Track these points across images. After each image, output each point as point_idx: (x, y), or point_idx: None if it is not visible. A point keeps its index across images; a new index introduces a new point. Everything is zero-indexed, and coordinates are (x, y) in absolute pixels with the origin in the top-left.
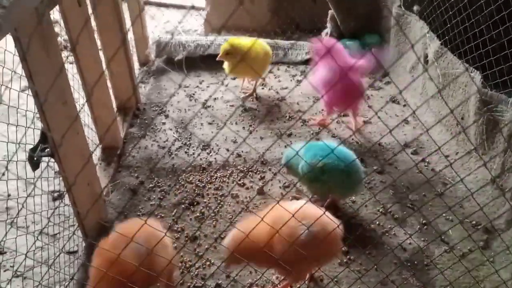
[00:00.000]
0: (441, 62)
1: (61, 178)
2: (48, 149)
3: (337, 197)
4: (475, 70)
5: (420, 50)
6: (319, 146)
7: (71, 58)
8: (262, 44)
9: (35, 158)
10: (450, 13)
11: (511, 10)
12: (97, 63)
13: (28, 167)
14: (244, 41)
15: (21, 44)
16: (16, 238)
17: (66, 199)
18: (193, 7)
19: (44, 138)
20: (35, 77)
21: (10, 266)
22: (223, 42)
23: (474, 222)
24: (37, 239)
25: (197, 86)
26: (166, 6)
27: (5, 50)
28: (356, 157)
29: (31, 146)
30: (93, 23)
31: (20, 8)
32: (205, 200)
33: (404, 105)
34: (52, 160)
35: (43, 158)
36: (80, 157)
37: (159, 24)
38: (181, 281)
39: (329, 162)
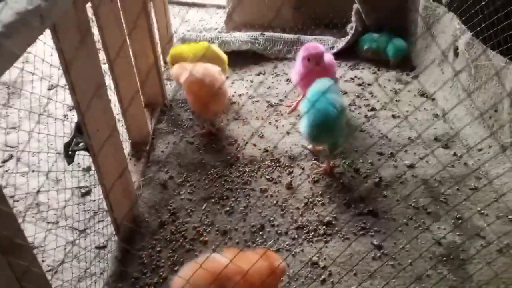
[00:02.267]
0: (473, 54)
1: (89, 174)
2: (82, 143)
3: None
4: (509, 61)
5: (449, 42)
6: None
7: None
8: (213, 49)
9: (70, 152)
10: (483, 3)
11: None
12: (127, 58)
13: (58, 163)
14: (187, 48)
15: (59, 37)
16: (45, 233)
17: (94, 195)
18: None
19: (79, 131)
20: (71, 70)
21: (42, 261)
22: (247, 38)
23: (510, 217)
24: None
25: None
26: (188, 5)
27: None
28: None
29: (66, 141)
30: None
31: (60, 1)
32: (234, 195)
33: (433, 99)
34: (84, 155)
35: (78, 152)
36: (113, 151)
37: (182, 23)
38: None
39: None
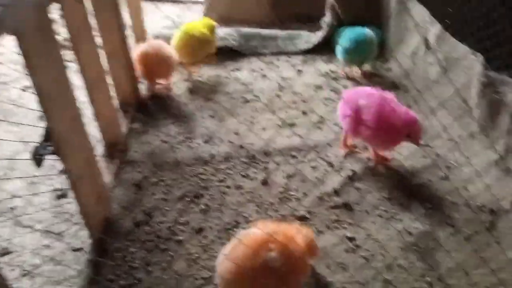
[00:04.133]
0: (443, 46)
1: (64, 176)
2: (51, 147)
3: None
4: (477, 53)
5: (421, 35)
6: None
7: (70, 57)
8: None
9: (38, 156)
10: None
11: None
12: (96, 60)
13: (32, 166)
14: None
15: (22, 42)
16: (21, 237)
17: (70, 197)
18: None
19: (47, 135)
20: (37, 75)
21: (17, 265)
22: (222, 34)
23: (479, 204)
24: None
25: (198, 80)
26: (163, 0)
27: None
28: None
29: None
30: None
31: (20, 6)
32: (209, 193)
33: (406, 92)
34: (56, 158)
35: (47, 156)
36: (83, 154)
37: (157, 20)
38: (188, 273)
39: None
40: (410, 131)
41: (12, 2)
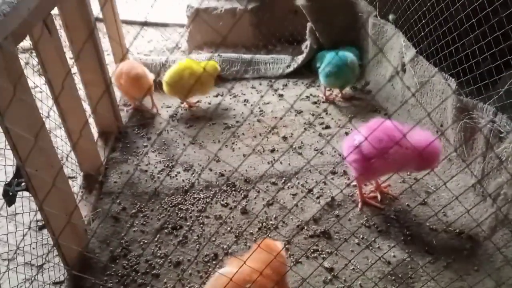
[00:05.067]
0: (418, 70)
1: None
2: (23, 183)
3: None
4: (450, 78)
5: (397, 58)
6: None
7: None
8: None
9: (10, 193)
10: (423, 21)
11: (481, 17)
12: (72, 90)
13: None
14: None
15: None
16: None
17: None
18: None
19: (18, 172)
20: (5, 113)
21: None
22: (204, 59)
23: (457, 231)
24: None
25: (179, 106)
26: (148, 24)
27: None
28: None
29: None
30: (68, 48)
31: None
32: (188, 223)
33: (385, 114)
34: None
35: (19, 193)
36: (56, 189)
37: (143, 43)
38: None
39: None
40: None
41: None
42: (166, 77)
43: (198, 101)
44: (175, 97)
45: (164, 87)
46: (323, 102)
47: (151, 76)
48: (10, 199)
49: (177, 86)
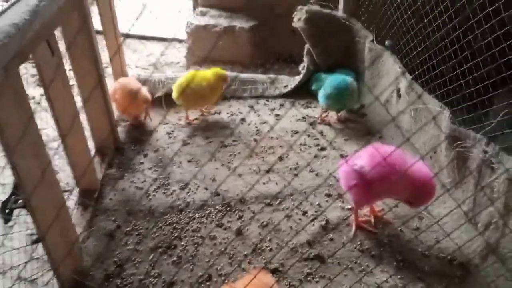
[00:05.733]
0: (412, 97)
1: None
2: (21, 201)
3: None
4: (444, 106)
5: (393, 84)
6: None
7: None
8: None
9: (7, 210)
10: (419, 49)
11: (475, 48)
12: (72, 107)
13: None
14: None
15: None
16: None
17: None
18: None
19: (16, 189)
20: (5, 131)
21: None
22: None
23: (449, 257)
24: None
25: (176, 123)
26: (148, 38)
27: None
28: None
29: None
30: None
31: None
32: (182, 243)
33: (380, 137)
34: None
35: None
36: (53, 207)
37: (142, 57)
38: None
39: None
40: None
41: None
42: (176, 84)
43: (196, 119)
44: (184, 106)
45: (174, 94)
46: (319, 123)
47: (145, 92)
48: (7, 216)
49: (187, 93)
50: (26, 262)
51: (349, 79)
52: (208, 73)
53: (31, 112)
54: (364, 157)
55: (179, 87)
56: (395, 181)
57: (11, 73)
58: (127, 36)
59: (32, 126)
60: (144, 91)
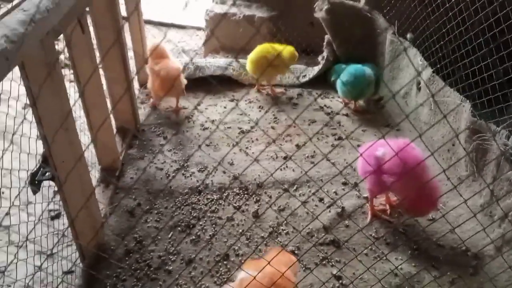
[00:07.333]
0: (433, 90)
1: (59, 198)
2: (49, 173)
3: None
4: (465, 99)
5: (413, 77)
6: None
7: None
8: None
9: (36, 181)
10: (441, 42)
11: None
12: (98, 87)
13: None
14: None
15: (26, 73)
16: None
17: (63, 218)
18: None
19: (45, 161)
20: (39, 105)
21: (8, 286)
22: (222, 63)
23: (464, 248)
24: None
25: (195, 108)
26: (167, 25)
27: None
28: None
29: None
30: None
31: (28, 41)
32: (201, 223)
33: (398, 130)
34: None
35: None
36: (79, 181)
37: (162, 43)
38: None
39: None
40: None
41: (20, 37)
42: (251, 55)
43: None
44: (257, 75)
45: (248, 65)
46: (336, 114)
47: (183, 80)
48: (35, 187)
49: (261, 62)
50: (46, 236)
51: (367, 69)
52: (280, 47)
53: (64, 86)
54: (389, 147)
55: (254, 59)
56: (406, 183)
57: (46, 46)
58: (147, 22)
59: (64, 99)
60: (183, 78)
